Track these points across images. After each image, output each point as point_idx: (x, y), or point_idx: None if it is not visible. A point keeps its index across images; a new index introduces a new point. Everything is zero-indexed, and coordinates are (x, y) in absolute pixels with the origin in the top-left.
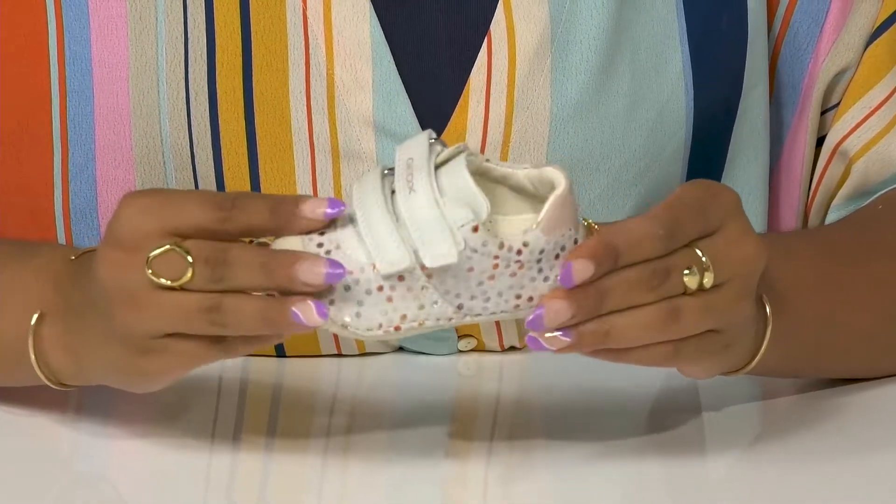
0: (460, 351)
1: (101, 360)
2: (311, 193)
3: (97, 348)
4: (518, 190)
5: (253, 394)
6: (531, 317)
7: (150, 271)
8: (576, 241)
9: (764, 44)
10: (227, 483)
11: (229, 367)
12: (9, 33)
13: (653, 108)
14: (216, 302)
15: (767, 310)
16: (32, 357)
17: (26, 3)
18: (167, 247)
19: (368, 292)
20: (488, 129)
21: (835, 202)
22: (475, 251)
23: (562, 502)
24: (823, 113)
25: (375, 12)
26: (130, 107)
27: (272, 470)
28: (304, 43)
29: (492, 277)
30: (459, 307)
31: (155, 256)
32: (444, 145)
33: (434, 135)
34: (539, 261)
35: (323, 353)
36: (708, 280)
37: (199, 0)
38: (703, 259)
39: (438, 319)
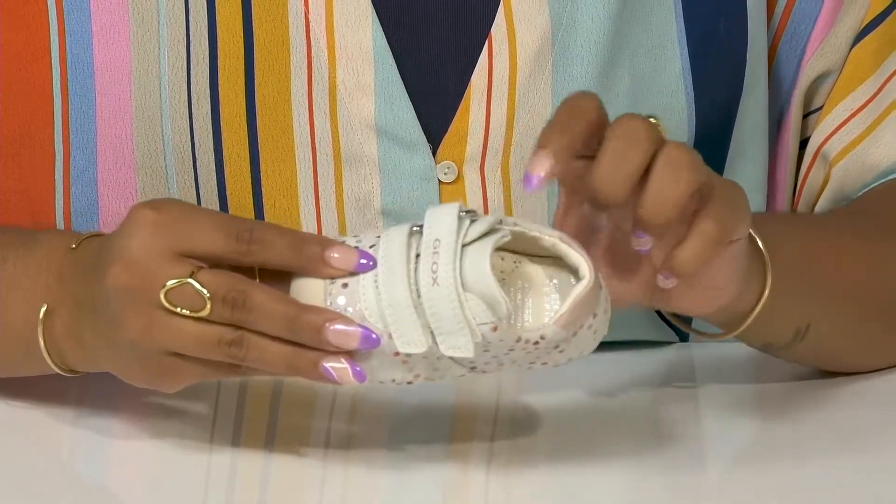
0: None
1: (111, 359)
2: (313, 198)
3: (107, 348)
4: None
5: (252, 394)
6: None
7: (165, 300)
8: (594, 316)
9: (764, 44)
10: (227, 484)
11: None
12: (10, 37)
13: (652, 111)
14: (237, 337)
15: (760, 243)
16: (43, 348)
17: (28, 7)
18: (183, 280)
19: (385, 354)
20: (490, 131)
21: (816, 209)
22: (491, 342)
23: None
24: (807, 116)
25: (377, 16)
26: (132, 110)
27: (272, 471)
28: (306, 47)
29: (507, 355)
30: (473, 368)
31: (170, 288)
32: (476, 216)
33: (464, 208)
34: (556, 346)
35: None
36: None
37: (202, 4)
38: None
39: (451, 376)
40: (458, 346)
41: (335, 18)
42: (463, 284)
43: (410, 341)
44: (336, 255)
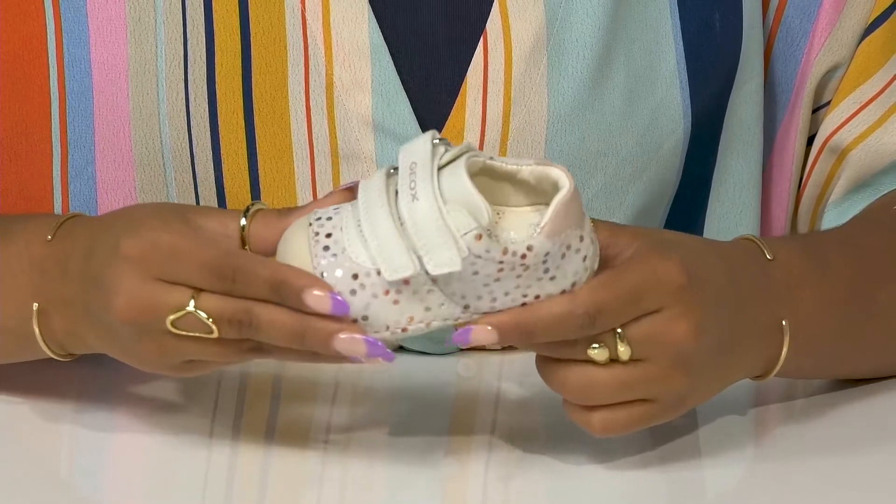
0: (460, 350)
1: (125, 358)
2: (311, 194)
3: (118, 350)
4: (522, 185)
5: (252, 393)
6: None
7: (172, 328)
8: (581, 238)
9: (759, 39)
10: (226, 481)
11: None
12: (7, 36)
13: (647, 106)
14: (255, 346)
15: (785, 340)
16: (42, 343)
17: (24, 6)
18: (185, 311)
19: (375, 296)
20: (486, 127)
21: (833, 198)
22: (479, 257)
23: (560, 501)
24: (815, 111)
25: (374, 13)
26: (130, 108)
27: (271, 470)
28: (302, 44)
29: (497, 280)
30: (466, 307)
31: (175, 318)
32: (449, 145)
33: (438, 135)
34: (545, 262)
35: None
36: (624, 353)
37: (198, 2)
38: (618, 332)
39: (445, 319)
40: (445, 261)
41: (332, 16)
42: (442, 198)
43: (398, 267)
44: (311, 298)
